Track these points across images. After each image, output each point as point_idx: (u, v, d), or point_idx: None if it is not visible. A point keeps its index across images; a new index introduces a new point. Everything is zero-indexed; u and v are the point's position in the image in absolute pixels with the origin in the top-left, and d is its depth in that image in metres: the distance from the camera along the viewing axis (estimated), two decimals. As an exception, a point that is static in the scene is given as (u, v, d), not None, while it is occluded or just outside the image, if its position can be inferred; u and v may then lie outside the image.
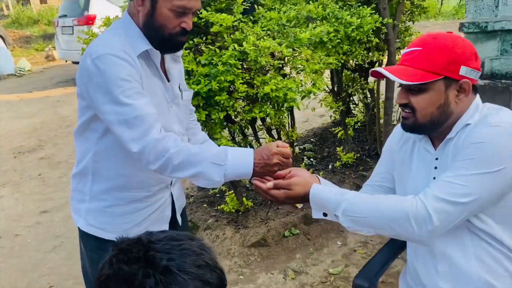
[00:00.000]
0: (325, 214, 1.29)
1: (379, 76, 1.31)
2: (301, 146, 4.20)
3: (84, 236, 1.52)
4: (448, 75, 1.19)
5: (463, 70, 1.19)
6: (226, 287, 0.74)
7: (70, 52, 9.73)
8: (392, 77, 1.22)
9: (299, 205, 3.32)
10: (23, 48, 16.36)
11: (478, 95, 1.28)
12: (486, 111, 1.23)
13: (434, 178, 1.26)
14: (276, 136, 3.24)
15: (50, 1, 32.53)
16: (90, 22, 8.88)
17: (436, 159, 1.28)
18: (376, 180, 1.49)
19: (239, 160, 1.33)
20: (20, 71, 11.83)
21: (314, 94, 2.75)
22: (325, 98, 3.81)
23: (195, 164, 1.28)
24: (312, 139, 4.40)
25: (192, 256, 0.72)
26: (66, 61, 10.78)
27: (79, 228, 1.53)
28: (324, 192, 1.28)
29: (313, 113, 4.11)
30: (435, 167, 1.27)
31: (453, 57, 1.19)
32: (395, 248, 1.46)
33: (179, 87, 1.53)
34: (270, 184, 1.33)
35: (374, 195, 1.37)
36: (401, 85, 1.26)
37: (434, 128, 1.26)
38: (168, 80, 1.47)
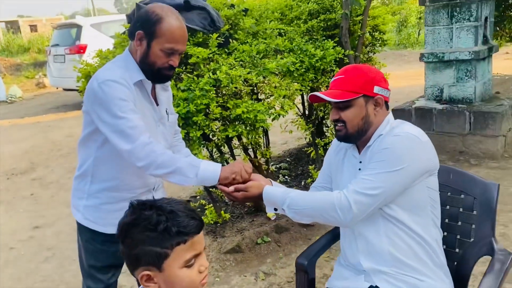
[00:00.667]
0: (275, 209, 1.64)
1: (317, 100, 1.67)
2: (277, 165, 4.55)
3: (81, 228, 1.84)
4: (365, 93, 1.56)
5: (376, 89, 1.57)
6: (203, 224, 1.09)
7: (61, 80, 10.09)
8: (325, 97, 1.59)
9: (272, 217, 3.65)
10: (14, 76, 16.65)
11: (390, 112, 1.65)
12: (394, 125, 1.60)
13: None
14: (252, 155, 3.60)
15: (40, 29, 33.09)
16: (81, 51, 9.28)
17: (360, 162, 1.64)
18: (320, 182, 1.84)
19: (209, 167, 1.68)
20: (11, 97, 12.11)
21: (283, 117, 3.12)
22: (297, 120, 4.18)
23: (174, 163, 1.61)
24: (287, 159, 4.76)
25: (183, 205, 1.09)
26: (57, 88, 11.10)
27: (77, 222, 1.85)
28: (273, 192, 1.62)
29: (291, 135, 4.49)
30: (359, 169, 1.63)
31: (368, 79, 1.56)
32: (333, 235, 1.80)
33: (166, 111, 1.88)
34: (231, 188, 1.67)
35: (311, 192, 1.71)
36: (333, 105, 1.62)
37: (360, 136, 1.62)
38: (157, 104, 1.83)
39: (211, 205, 3.51)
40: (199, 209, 3.77)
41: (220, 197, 3.73)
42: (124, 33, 3.00)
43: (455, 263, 1.68)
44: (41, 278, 3.23)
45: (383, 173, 1.47)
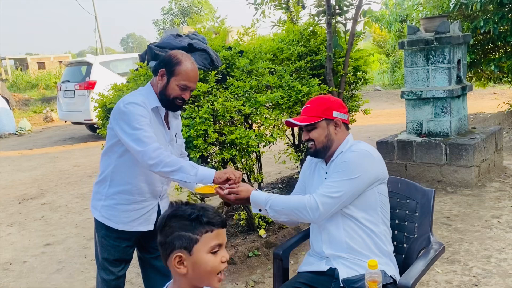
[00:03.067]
0: (260, 210, 2.04)
1: (292, 125, 2.11)
2: (270, 191, 4.95)
3: (98, 226, 2.25)
4: (326, 117, 2.00)
5: (335, 113, 2.00)
6: (227, 222, 1.38)
7: (70, 114, 10.64)
8: (296, 122, 2.03)
9: (263, 235, 4.02)
10: (22, 110, 17.26)
11: (350, 133, 2.08)
12: (352, 143, 2.03)
13: (325, 178, 2.02)
14: (246, 179, 4.01)
15: (48, 66, 34.16)
16: (91, 87, 9.87)
17: (326, 172, 2.06)
18: (296, 192, 2.25)
19: (206, 169, 2.09)
20: (21, 130, 12.63)
21: (274, 144, 3.56)
22: (287, 150, 4.61)
23: (179, 163, 2.02)
24: (280, 185, 5.16)
25: (211, 206, 1.36)
26: (65, 121, 11.63)
27: (95, 219, 2.26)
28: (258, 195, 2.03)
29: (285, 165, 4.91)
30: (325, 178, 2.04)
31: (327, 106, 2.00)
32: (304, 234, 2.20)
33: (176, 135, 2.35)
34: (226, 191, 2.07)
35: (288, 196, 2.11)
36: (303, 128, 2.05)
37: (326, 151, 2.04)
38: (169, 128, 2.28)
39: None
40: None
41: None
42: (137, 69, 3.49)
43: (403, 256, 2.07)
44: (52, 286, 3.58)
45: (343, 180, 1.89)
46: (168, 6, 27.86)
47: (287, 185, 5.15)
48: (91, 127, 11.61)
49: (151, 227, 2.31)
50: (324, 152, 2.05)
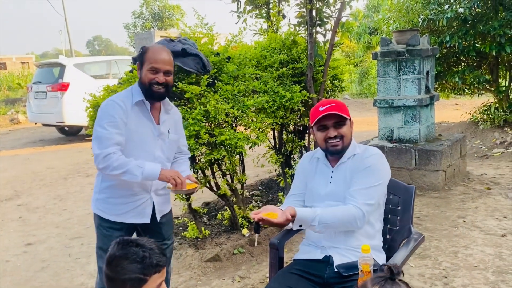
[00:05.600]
0: (300, 226, 2.00)
1: (321, 117, 2.09)
2: (250, 192, 5.13)
3: (95, 217, 2.42)
4: (349, 117, 2.14)
5: (349, 115, 2.16)
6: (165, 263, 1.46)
7: (41, 115, 10.46)
8: (338, 113, 2.05)
9: (246, 234, 4.15)
10: (-15, 112, 16.74)
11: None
12: (363, 147, 2.18)
13: (330, 182, 2.14)
14: (230, 180, 4.16)
15: (10, 67, 33.09)
16: (64, 89, 9.76)
17: (332, 171, 2.19)
18: (296, 190, 2.30)
19: (152, 167, 2.22)
20: (-13, 131, 12.23)
21: (258, 146, 3.74)
22: (268, 152, 4.81)
23: (126, 166, 2.17)
24: (259, 187, 5.35)
25: (156, 244, 1.47)
26: (35, 123, 11.40)
27: (93, 211, 2.44)
28: (304, 213, 1.97)
29: (262, 169, 5.10)
30: (331, 176, 2.18)
31: (346, 108, 2.14)
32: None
33: (168, 130, 2.44)
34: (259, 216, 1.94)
35: (331, 209, 2.03)
36: (330, 126, 2.08)
37: (345, 151, 2.14)
38: (158, 123, 2.39)
39: (193, 222, 4.03)
40: (181, 228, 4.27)
41: (200, 216, 4.25)
42: (131, 71, 3.60)
43: (387, 246, 2.29)
44: (39, 284, 3.61)
45: (375, 186, 2.05)
46: (139, 10, 27.61)
47: (266, 187, 5.34)
48: (62, 129, 11.44)
49: (146, 220, 2.44)
50: (345, 150, 2.14)
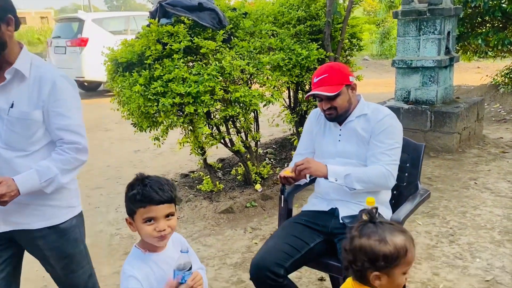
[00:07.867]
0: (336, 179, 2.07)
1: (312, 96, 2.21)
2: (264, 150, 5.22)
3: None
4: (346, 83, 2.16)
5: (351, 78, 2.18)
6: (168, 201, 1.48)
7: (61, 70, 10.57)
8: (323, 94, 2.10)
9: (259, 189, 4.28)
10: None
11: (361, 94, 2.27)
12: (372, 106, 2.20)
13: (339, 141, 2.20)
14: (244, 137, 4.24)
15: (29, 22, 33.21)
16: (83, 44, 9.82)
17: (340, 129, 2.23)
18: (303, 149, 2.36)
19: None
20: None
21: (273, 104, 3.78)
22: (283, 111, 4.84)
23: None
24: (273, 146, 5.43)
25: (164, 183, 1.50)
26: (55, 78, 11.54)
27: None
28: (335, 166, 2.10)
29: (278, 129, 5.15)
30: (339, 135, 2.23)
31: (344, 72, 2.15)
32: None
33: (12, 104, 1.68)
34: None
35: (361, 168, 2.12)
36: (323, 98, 2.13)
37: (345, 115, 2.18)
38: None
39: (208, 176, 4.16)
40: (197, 181, 4.41)
41: (215, 171, 4.37)
42: (148, 25, 3.61)
43: (393, 201, 2.36)
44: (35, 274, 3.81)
45: (396, 148, 2.12)
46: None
47: (280, 146, 5.42)
48: (82, 85, 11.59)
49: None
50: (343, 116, 2.18)
